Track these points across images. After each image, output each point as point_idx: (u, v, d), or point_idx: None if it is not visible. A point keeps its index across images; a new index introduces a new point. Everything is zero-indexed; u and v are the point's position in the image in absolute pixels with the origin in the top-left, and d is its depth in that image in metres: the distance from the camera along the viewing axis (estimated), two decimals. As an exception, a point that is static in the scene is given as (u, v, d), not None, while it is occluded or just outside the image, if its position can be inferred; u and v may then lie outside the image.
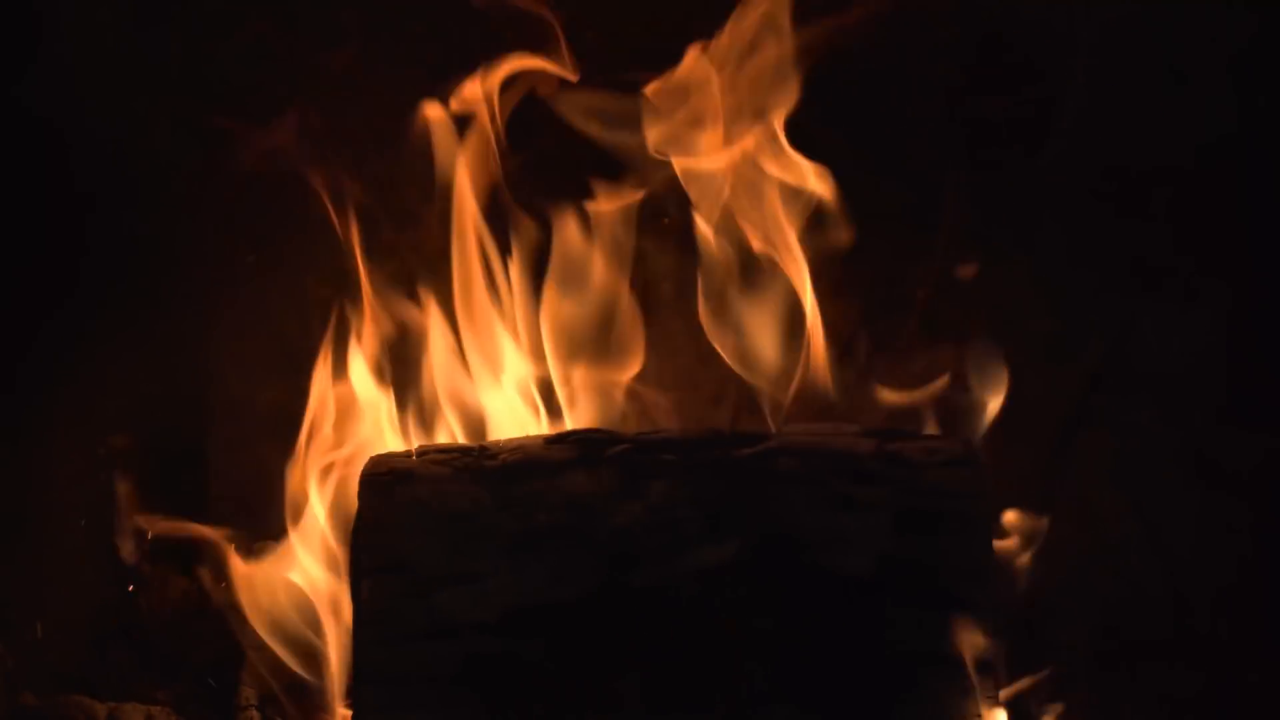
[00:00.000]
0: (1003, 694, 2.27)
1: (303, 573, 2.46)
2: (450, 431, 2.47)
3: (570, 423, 2.48)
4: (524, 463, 2.21)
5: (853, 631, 2.16)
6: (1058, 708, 2.49)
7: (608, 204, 2.48)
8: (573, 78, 2.53)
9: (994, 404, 2.40)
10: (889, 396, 2.53)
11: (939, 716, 2.17)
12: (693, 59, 2.48)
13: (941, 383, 2.45)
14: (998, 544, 2.32)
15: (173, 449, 2.71)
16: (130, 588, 2.68)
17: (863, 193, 2.66)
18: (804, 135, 2.61)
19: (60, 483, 2.64)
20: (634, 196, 2.48)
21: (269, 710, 2.54)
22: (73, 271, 2.60)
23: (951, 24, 2.68)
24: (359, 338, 2.52)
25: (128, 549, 2.69)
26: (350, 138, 2.65)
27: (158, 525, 2.62)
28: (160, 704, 2.54)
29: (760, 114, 2.47)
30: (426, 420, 2.48)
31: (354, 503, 2.22)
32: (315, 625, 2.45)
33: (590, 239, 2.47)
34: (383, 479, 2.20)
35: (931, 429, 2.41)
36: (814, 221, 2.48)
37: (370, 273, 2.55)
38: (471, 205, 2.49)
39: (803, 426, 2.43)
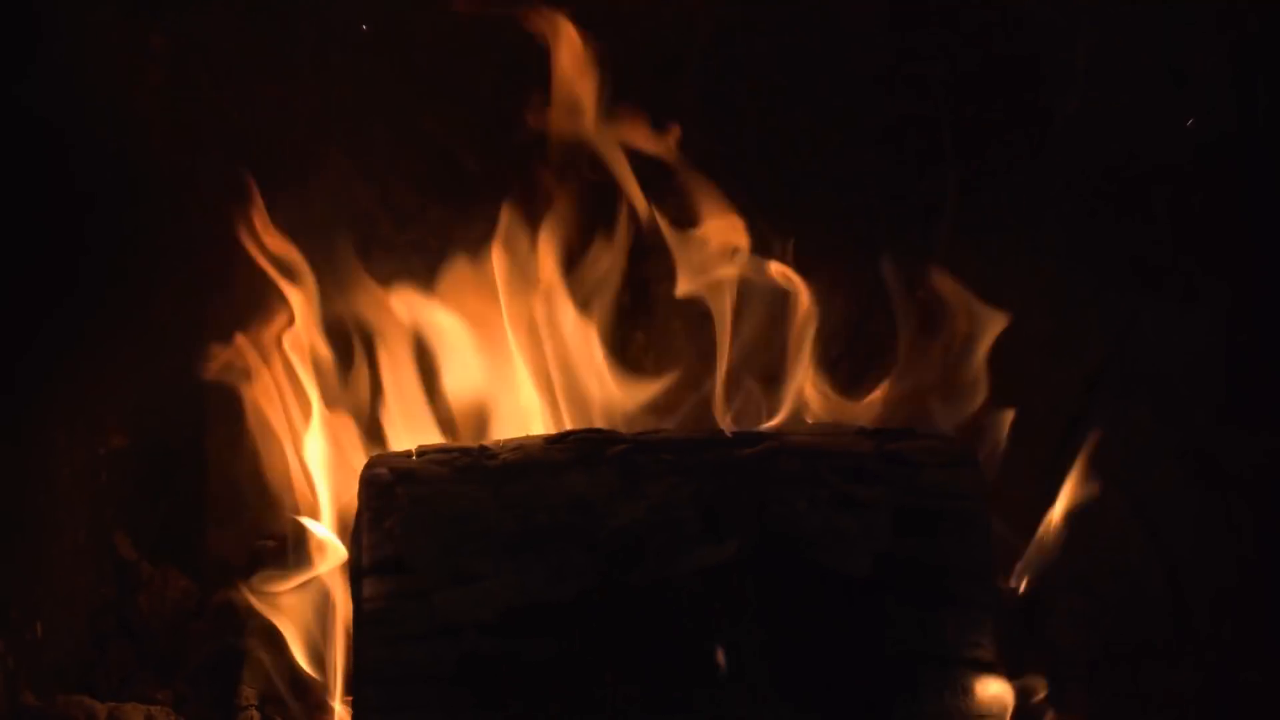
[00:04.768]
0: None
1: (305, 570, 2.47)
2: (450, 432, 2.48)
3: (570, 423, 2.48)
4: (524, 463, 2.21)
5: (852, 631, 2.16)
6: (1058, 707, 2.49)
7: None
8: None
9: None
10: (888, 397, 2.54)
11: (939, 716, 2.17)
12: None
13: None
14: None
15: (171, 448, 2.71)
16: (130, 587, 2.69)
17: (862, 194, 2.67)
18: (802, 136, 2.62)
19: (60, 483, 2.63)
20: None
21: (269, 710, 2.54)
22: (73, 271, 2.60)
23: (951, 24, 2.68)
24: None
25: (127, 548, 2.70)
26: (350, 133, 2.65)
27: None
28: (160, 704, 2.53)
29: None
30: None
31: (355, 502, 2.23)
32: (318, 624, 2.46)
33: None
34: (383, 479, 2.20)
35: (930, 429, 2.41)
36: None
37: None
38: None
39: (803, 426, 2.43)
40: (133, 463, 2.70)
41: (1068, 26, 2.66)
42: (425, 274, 2.55)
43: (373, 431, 2.50)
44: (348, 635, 2.37)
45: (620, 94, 2.55)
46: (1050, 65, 2.68)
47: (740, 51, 2.69)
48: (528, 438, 2.29)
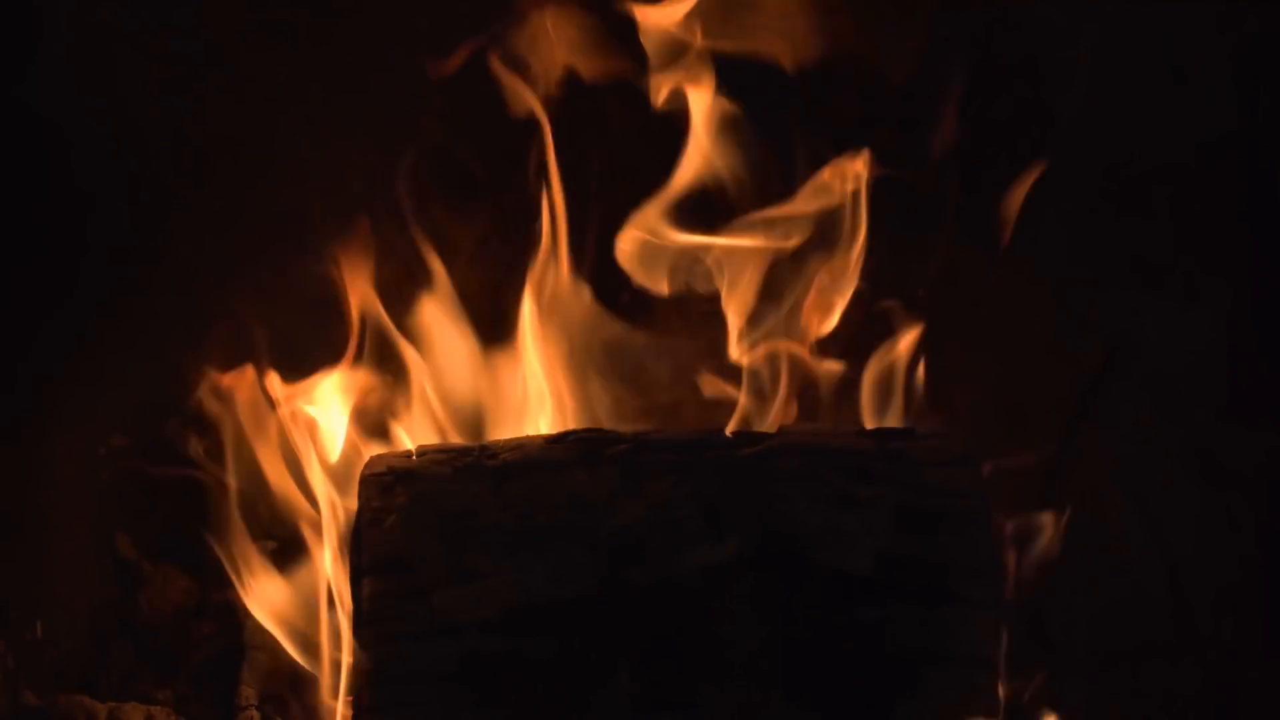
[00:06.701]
0: (1003, 693, 2.27)
1: (305, 570, 2.47)
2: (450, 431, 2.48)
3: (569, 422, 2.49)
4: (524, 462, 2.21)
5: (853, 630, 2.16)
6: (1058, 707, 2.49)
7: None
8: None
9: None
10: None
11: (939, 716, 2.17)
12: None
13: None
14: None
15: (172, 448, 2.71)
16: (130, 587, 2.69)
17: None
18: (802, 135, 2.62)
19: (60, 483, 2.63)
20: None
21: (269, 710, 2.55)
22: (73, 271, 2.60)
23: (951, 22, 2.68)
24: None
25: (127, 548, 2.70)
26: (351, 131, 2.65)
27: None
28: (160, 704, 2.53)
29: None
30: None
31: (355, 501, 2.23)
32: (317, 623, 2.46)
33: None
34: (382, 478, 2.20)
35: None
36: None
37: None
38: None
39: (804, 425, 2.43)
40: (133, 463, 2.70)
41: (1068, 26, 2.66)
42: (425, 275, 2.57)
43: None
44: (348, 634, 2.37)
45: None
46: (1050, 65, 2.68)
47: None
48: (528, 437, 2.30)
